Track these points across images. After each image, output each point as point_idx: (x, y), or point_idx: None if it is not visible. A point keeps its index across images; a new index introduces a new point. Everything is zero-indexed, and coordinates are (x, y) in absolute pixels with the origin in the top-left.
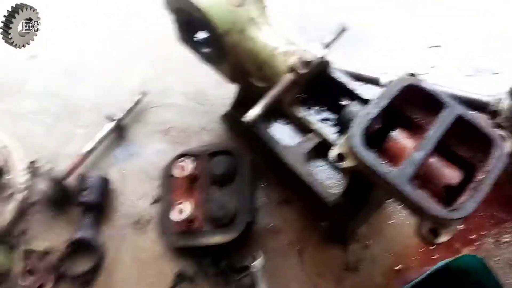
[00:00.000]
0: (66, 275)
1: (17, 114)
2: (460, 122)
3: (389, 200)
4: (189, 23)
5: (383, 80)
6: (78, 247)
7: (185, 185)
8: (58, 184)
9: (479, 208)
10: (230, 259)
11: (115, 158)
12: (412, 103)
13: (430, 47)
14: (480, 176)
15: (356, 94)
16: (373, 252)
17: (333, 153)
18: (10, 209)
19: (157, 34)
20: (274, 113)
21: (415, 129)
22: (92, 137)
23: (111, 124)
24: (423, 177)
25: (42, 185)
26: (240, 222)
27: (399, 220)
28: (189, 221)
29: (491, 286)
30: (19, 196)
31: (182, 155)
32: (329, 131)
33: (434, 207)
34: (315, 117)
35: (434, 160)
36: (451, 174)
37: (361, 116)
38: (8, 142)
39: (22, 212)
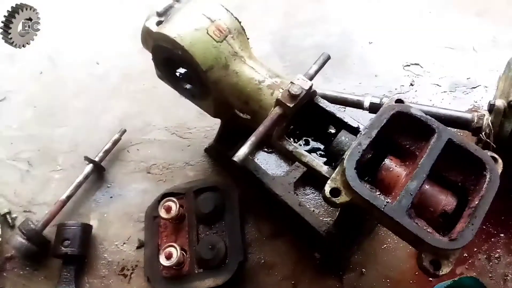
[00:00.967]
0: None
1: None
2: (450, 146)
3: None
4: (169, 60)
5: (366, 103)
6: None
7: (172, 226)
8: (35, 236)
9: None
10: None
11: (95, 202)
12: (402, 130)
13: (408, 65)
14: (475, 201)
15: (345, 122)
16: (369, 279)
17: (327, 188)
18: None
19: (136, 69)
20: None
21: (406, 156)
22: (70, 181)
23: (90, 166)
24: (419, 205)
25: (18, 238)
26: (231, 263)
27: (392, 244)
28: (177, 265)
29: None
30: None
31: (166, 194)
32: (319, 163)
33: (434, 238)
34: (304, 148)
35: (428, 188)
36: (446, 201)
37: (353, 148)
38: None
39: None
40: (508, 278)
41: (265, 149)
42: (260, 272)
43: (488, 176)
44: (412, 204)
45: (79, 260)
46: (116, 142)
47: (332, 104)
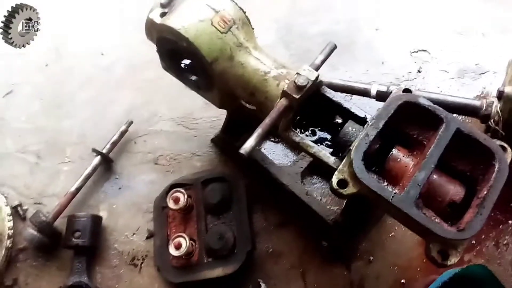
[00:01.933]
0: None
1: None
2: (458, 136)
3: None
4: (173, 51)
5: (373, 91)
6: None
7: (180, 216)
8: (47, 228)
9: None
10: None
11: (104, 194)
12: (409, 120)
13: (416, 52)
14: (483, 191)
15: (352, 112)
16: (377, 267)
17: (334, 180)
18: None
19: (141, 59)
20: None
21: (414, 146)
22: (79, 173)
23: (98, 158)
24: (427, 196)
25: (30, 230)
26: (240, 252)
27: (400, 232)
28: (187, 254)
29: None
30: (6, 244)
31: (174, 185)
32: (326, 154)
33: (442, 229)
34: (311, 138)
35: (436, 177)
36: (454, 190)
37: (360, 140)
38: None
39: (11, 260)
40: None
41: (272, 139)
42: (268, 260)
43: (497, 166)
44: (420, 194)
45: (90, 251)
46: (123, 134)
47: (339, 94)
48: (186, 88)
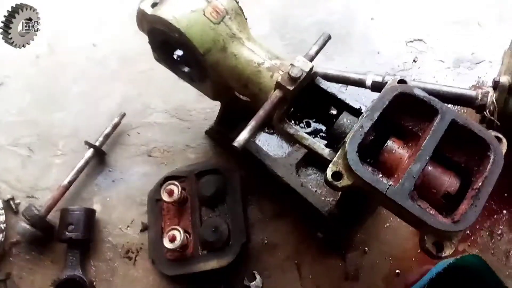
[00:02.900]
0: None
1: None
2: (454, 127)
3: None
4: (165, 42)
5: (368, 81)
6: None
7: (174, 209)
8: (40, 222)
9: None
10: (228, 282)
11: (97, 187)
12: (404, 111)
13: (411, 41)
14: (478, 182)
15: (346, 103)
16: (372, 258)
17: (328, 172)
18: None
19: (133, 51)
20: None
21: (409, 137)
22: (72, 166)
23: (91, 151)
24: (421, 187)
25: (22, 224)
26: (235, 244)
27: (394, 223)
28: (181, 247)
29: (493, 283)
30: None
31: (168, 178)
32: (321, 146)
33: (437, 220)
34: (305, 130)
35: (431, 169)
36: (449, 182)
37: (355, 131)
38: None
39: (4, 254)
40: (510, 254)
41: (267, 130)
42: (264, 252)
43: (492, 157)
44: (415, 186)
45: (84, 244)
46: (116, 126)
47: (334, 85)
48: (180, 80)
